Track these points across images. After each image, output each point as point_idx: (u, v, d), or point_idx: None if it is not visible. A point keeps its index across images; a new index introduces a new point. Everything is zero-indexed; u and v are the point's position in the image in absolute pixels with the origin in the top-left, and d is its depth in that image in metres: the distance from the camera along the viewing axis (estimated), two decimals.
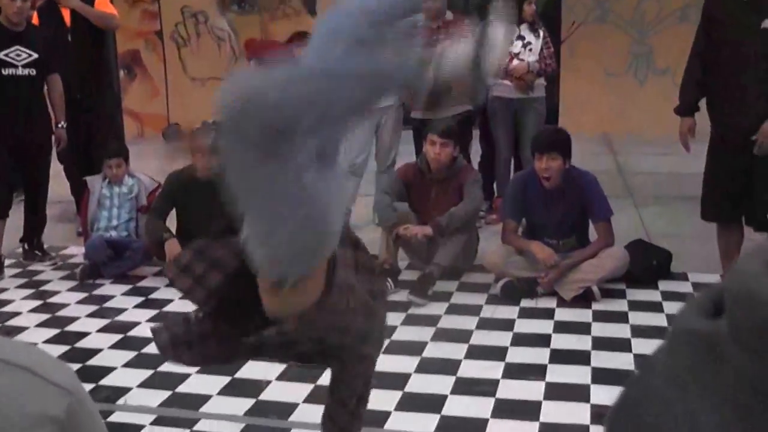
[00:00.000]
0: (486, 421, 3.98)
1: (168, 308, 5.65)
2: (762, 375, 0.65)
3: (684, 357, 0.71)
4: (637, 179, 8.60)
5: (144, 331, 5.27)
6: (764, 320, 0.64)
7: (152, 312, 5.60)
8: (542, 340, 4.92)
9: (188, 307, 5.50)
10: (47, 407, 0.83)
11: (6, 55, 6.31)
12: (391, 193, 6.01)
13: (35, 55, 6.44)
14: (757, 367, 0.64)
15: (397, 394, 4.20)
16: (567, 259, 5.52)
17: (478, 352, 4.78)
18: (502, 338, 4.97)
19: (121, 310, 5.67)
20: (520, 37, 7.02)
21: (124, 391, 4.45)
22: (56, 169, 7.23)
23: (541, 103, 7.19)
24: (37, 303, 5.89)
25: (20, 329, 5.41)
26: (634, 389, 0.76)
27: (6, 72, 6.32)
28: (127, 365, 4.79)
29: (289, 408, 4.13)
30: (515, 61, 6.98)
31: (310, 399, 4.15)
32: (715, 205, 5.29)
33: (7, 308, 5.81)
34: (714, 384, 0.67)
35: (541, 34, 7.08)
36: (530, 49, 7.01)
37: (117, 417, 4.16)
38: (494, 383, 4.38)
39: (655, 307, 5.32)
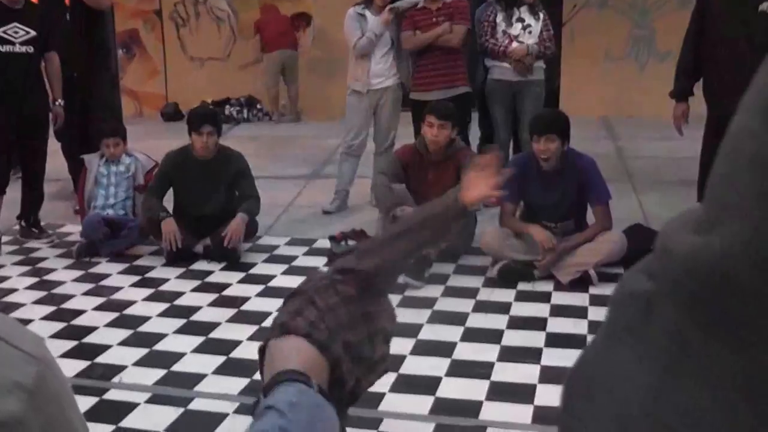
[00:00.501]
0: (480, 403, 3.98)
1: (164, 287, 5.66)
2: (682, 325, 0.67)
3: (622, 316, 0.73)
4: (636, 163, 8.59)
5: (140, 309, 5.29)
6: (678, 273, 0.67)
7: (148, 291, 5.60)
8: (538, 324, 4.92)
9: (182, 286, 5.54)
10: (14, 374, 0.82)
11: (4, 32, 6.28)
12: (389, 174, 6.00)
13: (33, 33, 6.41)
14: (677, 317, 0.67)
15: (392, 376, 4.19)
16: (564, 242, 5.51)
17: (473, 335, 4.78)
18: (498, 321, 4.97)
19: (117, 289, 5.66)
20: (520, 20, 6.99)
21: (119, 369, 4.45)
22: (54, 147, 7.21)
23: (540, 85, 7.15)
24: (33, 280, 5.88)
25: (16, 306, 5.40)
26: (586, 350, 0.79)
27: (3, 49, 6.30)
28: (122, 343, 4.79)
29: None
30: (514, 43, 6.96)
31: None
32: None
33: (3, 285, 5.80)
34: (644, 337, 0.70)
35: (541, 16, 7.05)
36: (530, 32, 6.98)
37: (112, 395, 4.17)
38: (489, 366, 4.37)
39: None
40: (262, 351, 2.86)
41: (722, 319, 0.65)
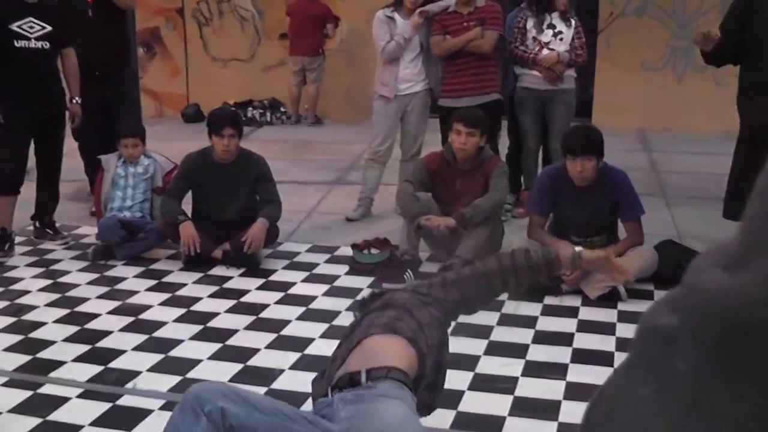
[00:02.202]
0: (503, 419, 3.87)
1: (181, 292, 5.54)
2: (704, 363, 0.69)
3: (645, 350, 0.77)
4: (670, 177, 8.40)
5: (156, 314, 5.18)
6: (705, 311, 0.69)
7: (165, 295, 5.49)
8: (565, 339, 4.78)
9: (199, 291, 5.43)
10: None
11: (19, 26, 6.16)
12: (415, 182, 5.86)
13: (49, 28, 6.29)
14: (699, 355, 0.69)
15: None
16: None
17: (498, 348, 4.65)
18: (523, 335, 4.83)
19: (133, 293, 5.56)
20: (551, 26, 6.84)
21: (133, 374, 4.35)
22: (71, 146, 7.13)
23: (571, 94, 6.99)
24: (47, 282, 5.78)
25: (29, 308, 5.30)
26: (607, 382, 0.82)
27: (18, 44, 6.17)
28: (137, 348, 4.69)
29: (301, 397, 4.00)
30: (545, 51, 6.80)
31: None
32: (738, 205, 5.10)
33: (17, 286, 5.70)
34: (666, 373, 0.71)
35: (573, 23, 6.88)
36: (561, 39, 6.81)
37: (126, 401, 4.07)
38: (513, 381, 4.26)
39: None
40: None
41: (752, 361, 0.65)
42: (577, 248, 3.56)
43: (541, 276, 3.40)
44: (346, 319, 5.02)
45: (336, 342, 4.61)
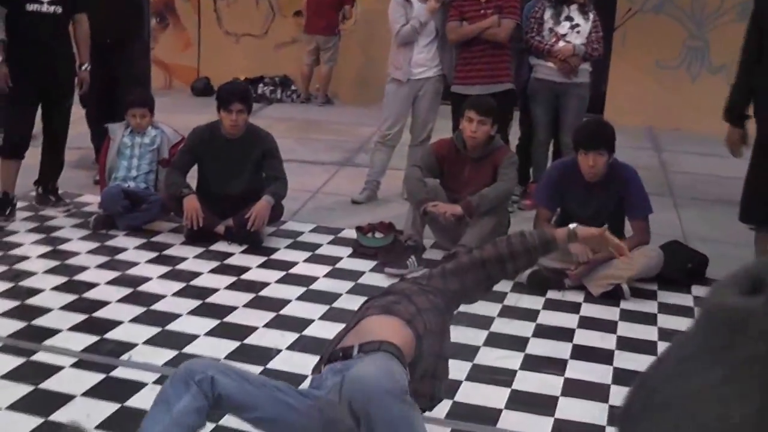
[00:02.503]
0: (500, 411, 3.83)
1: (181, 266, 5.50)
2: None
3: (708, 333, 0.70)
4: (678, 178, 8.34)
5: (154, 287, 5.14)
6: None
7: (165, 268, 5.45)
8: (565, 334, 4.73)
9: (200, 266, 5.39)
10: None
11: None
12: (423, 167, 5.81)
13: None
14: None
15: None
16: (599, 252, 5.31)
17: (497, 340, 4.61)
18: (524, 328, 4.79)
19: (133, 264, 5.52)
20: (569, 18, 6.77)
21: (129, 346, 4.31)
22: (78, 113, 7.07)
23: (585, 88, 6.92)
24: (46, 249, 5.74)
25: (28, 274, 5.27)
26: (652, 368, 0.76)
27: (30, 8, 6.10)
28: (134, 320, 4.65)
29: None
30: (561, 43, 6.73)
31: None
32: (754, 208, 5.05)
33: (16, 251, 5.67)
34: (735, 359, 0.67)
35: (591, 17, 6.81)
36: (578, 32, 6.74)
37: (120, 372, 4.03)
38: (511, 373, 4.21)
39: (686, 312, 5.10)
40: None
41: None
42: (572, 225, 3.52)
43: (539, 256, 3.48)
44: (346, 302, 5.00)
45: (335, 324, 4.62)
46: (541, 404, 3.91)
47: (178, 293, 5.06)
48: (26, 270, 5.34)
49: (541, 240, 3.33)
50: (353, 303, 4.96)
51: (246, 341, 4.44)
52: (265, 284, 5.27)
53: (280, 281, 5.34)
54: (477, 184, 5.72)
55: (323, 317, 4.79)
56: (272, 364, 4.18)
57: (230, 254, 5.78)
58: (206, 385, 2.75)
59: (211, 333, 4.53)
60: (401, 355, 2.86)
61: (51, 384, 3.87)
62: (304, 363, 4.13)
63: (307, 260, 5.75)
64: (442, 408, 3.72)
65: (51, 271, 5.35)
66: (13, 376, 3.91)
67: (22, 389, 3.78)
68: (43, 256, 5.61)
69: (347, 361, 2.87)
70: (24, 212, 6.44)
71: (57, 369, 4.02)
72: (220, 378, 2.77)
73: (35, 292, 4.98)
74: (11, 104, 6.20)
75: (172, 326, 4.59)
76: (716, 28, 10.52)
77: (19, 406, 3.64)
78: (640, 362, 4.38)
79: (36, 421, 3.56)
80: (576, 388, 4.09)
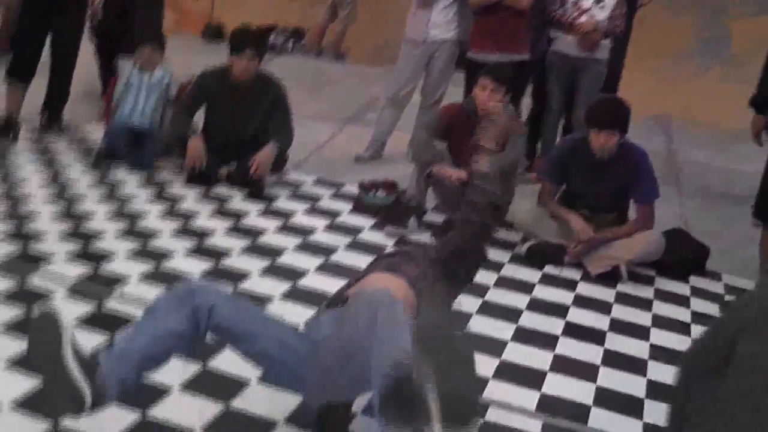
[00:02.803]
0: (487, 380, 3.80)
1: (180, 206, 5.47)
2: None
3: None
4: (686, 168, 8.28)
5: (152, 223, 5.11)
6: None
7: (164, 206, 5.42)
8: (559, 311, 4.71)
9: (199, 208, 5.35)
10: None
11: None
12: (431, 130, 5.75)
13: None
14: None
15: None
16: (601, 233, 5.29)
17: (490, 310, 4.58)
18: (518, 300, 4.76)
19: (131, 198, 5.49)
20: None
21: (122, 279, 4.27)
22: (88, 46, 7.00)
23: (603, 65, 6.84)
24: (46, 174, 5.72)
25: (26, 197, 5.24)
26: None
27: None
28: (129, 254, 4.61)
29: None
30: (583, 17, 6.64)
31: None
32: None
33: (17, 175, 5.64)
34: None
35: None
36: (602, 6, 6.62)
37: (110, 305, 3.98)
38: (502, 344, 4.18)
39: (682, 301, 5.08)
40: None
41: None
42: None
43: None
44: (343, 257, 4.98)
45: (330, 277, 4.61)
46: (529, 378, 3.89)
47: (176, 232, 5.03)
48: (25, 194, 5.30)
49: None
50: (350, 258, 4.96)
51: (240, 286, 4.41)
52: (262, 231, 5.24)
53: (278, 230, 5.31)
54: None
55: (318, 270, 4.77)
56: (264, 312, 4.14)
57: (230, 199, 5.75)
58: (202, 313, 2.70)
59: (205, 274, 4.50)
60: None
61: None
62: (296, 313, 4.11)
63: (306, 212, 5.72)
64: None
65: (49, 198, 5.31)
66: (5, 299, 3.88)
67: (13, 312, 3.75)
68: (43, 182, 5.57)
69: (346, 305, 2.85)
70: (28, 138, 6.38)
71: (49, 296, 3.99)
72: (221, 308, 2.72)
73: (33, 217, 4.95)
74: (21, 27, 6.14)
75: (167, 264, 4.56)
76: (736, 20, 10.40)
77: (8, 328, 3.61)
78: (630, 346, 4.38)
79: (24, 345, 3.53)
80: (565, 366, 4.06)
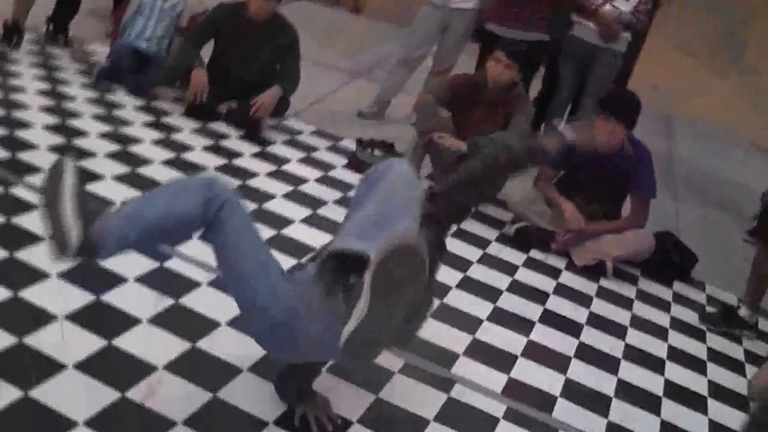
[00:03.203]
0: (458, 356, 3.77)
1: (175, 136, 5.40)
2: None
3: None
4: (684, 171, 8.23)
5: (144, 150, 5.05)
6: None
7: (158, 135, 5.35)
8: (539, 297, 4.67)
9: (194, 141, 5.29)
10: None
11: None
12: (438, 97, 5.68)
13: None
14: None
15: None
16: (592, 225, 5.25)
17: (470, 286, 4.54)
18: (499, 280, 4.72)
19: (128, 122, 5.41)
20: None
21: (108, 203, 4.19)
22: None
23: (619, 57, 6.76)
24: (45, 86, 5.63)
25: (22, 105, 5.17)
26: None
27: None
28: (117, 178, 4.56)
29: None
30: (607, 6, 6.55)
31: None
32: None
33: (15, 81, 5.56)
34: None
35: None
36: None
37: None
38: (477, 322, 4.15)
39: (663, 305, 5.05)
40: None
41: None
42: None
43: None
44: (331, 211, 4.94)
45: (315, 230, 4.57)
46: (499, 360, 3.85)
47: (167, 162, 4.97)
48: (21, 101, 5.23)
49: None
50: (337, 213, 4.92)
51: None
52: (254, 174, 5.18)
53: (269, 175, 5.25)
54: (487, 127, 5.60)
55: (305, 221, 4.71)
56: None
57: (227, 136, 5.68)
58: (214, 203, 2.62)
59: None
60: None
61: (24, 221, 3.79)
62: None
63: (301, 161, 5.66)
64: None
65: (45, 109, 5.23)
66: None
67: None
68: (41, 92, 5.49)
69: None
70: (30, 45, 6.29)
71: (32, 206, 3.93)
72: (232, 207, 2.66)
73: (25, 125, 4.88)
74: None
75: None
76: (758, 27, 10.31)
77: None
78: (606, 343, 4.36)
79: (1, 254, 3.50)
80: (537, 353, 4.03)
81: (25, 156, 4.47)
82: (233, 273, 2.72)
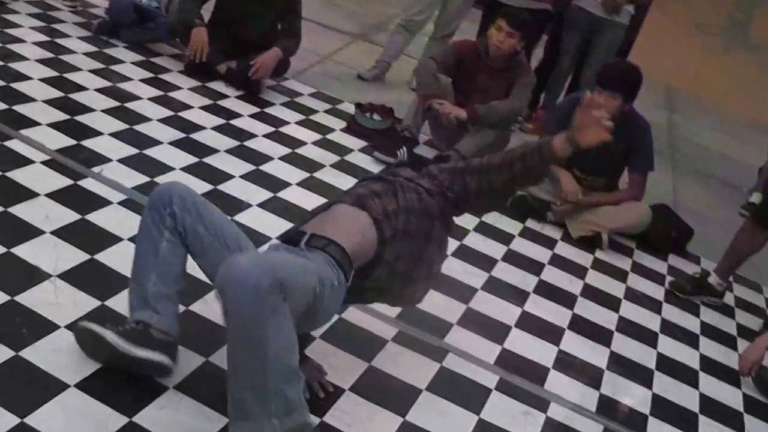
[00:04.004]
0: (451, 325, 3.76)
1: (173, 94, 5.36)
2: None
3: None
4: (684, 145, 8.22)
5: (142, 106, 5.02)
6: None
7: (157, 92, 5.31)
8: (534, 267, 4.67)
9: (192, 100, 5.26)
10: None
11: None
12: (440, 62, 5.63)
13: None
14: None
15: None
16: (589, 196, 5.24)
17: (466, 254, 4.53)
18: (495, 249, 4.72)
19: (126, 78, 5.37)
20: None
21: (103, 160, 4.19)
22: None
23: (622, 29, 6.75)
24: (43, 38, 5.59)
25: (19, 57, 5.14)
26: None
27: None
28: (114, 135, 4.53)
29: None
30: None
31: None
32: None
33: (12, 31, 5.52)
34: None
35: None
36: None
37: (87, 183, 3.92)
38: (472, 291, 4.15)
39: (657, 278, 5.06)
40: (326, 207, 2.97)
41: None
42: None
43: (538, 164, 3.05)
44: (327, 174, 4.92)
45: (311, 193, 4.56)
46: (493, 330, 3.85)
47: (164, 120, 4.93)
48: (18, 53, 5.20)
49: (540, 145, 3.06)
50: (334, 177, 4.90)
51: (219, 186, 4.33)
52: (252, 135, 5.15)
53: (267, 136, 5.22)
54: (487, 95, 5.58)
55: (301, 183, 4.70)
56: (239, 217, 4.07)
57: (225, 96, 5.63)
58: (175, 221, 2.75)
59: (187, 169, 4.41)
60: (345, 261, 2.71)
61: (18, 175, 3.78)
62: (270, 224, 4.08)
63: (299, 122, 5.62)
64: (393, 310, 3.66)
65: (43, 61, 5.20)
66: None
67: None
68: (39, 44, 5.46)
69: (292, 248, 2.74)
70: None
71: (28, 161, 3.92)
72: (181, 213, 2.75)
73: (22, 77, 4.85)
74: None
75: (150, 152, 4.47)
76: (763, 7, 10.24)
77: None
78: (600, 315, 4.37)
79: None
80: (531, 323, 4.03)
81: (21, 109, 4.44)
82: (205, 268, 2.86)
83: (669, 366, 4.07)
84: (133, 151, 4.40)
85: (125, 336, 2.65)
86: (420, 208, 2.99)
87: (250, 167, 4.67)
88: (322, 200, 4.22)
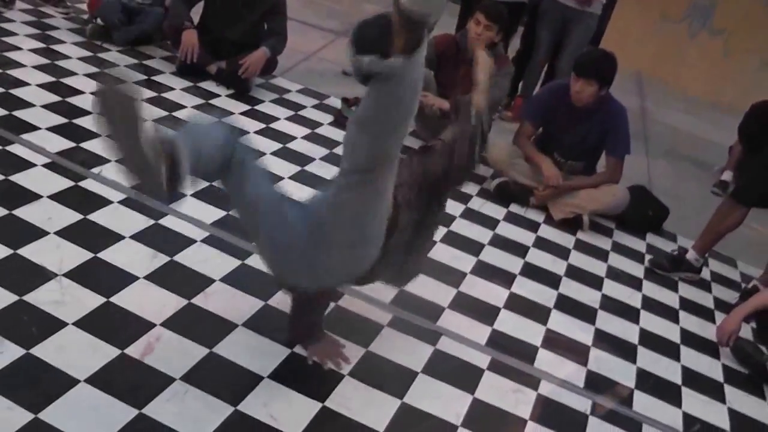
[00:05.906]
0: (442, 309, 3.90)
1: (167, 95, 5.51)
2: None
3: None
4: (656, 128, 8.42)
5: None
6: None
7: (150, 93, 5.45)
8: (519, 250, 4.84)
9: (185, 99, 5.37)
10: None
11: None
12: None
13: None
14: None
15: None
16: (568, 180, 5.42)
17: (453, 240, 4.69)
18: (481, 234, 4.88)
19: (120, 81, 5.47)
20: None
21: (102, 161, 4.31)
22: None
23: (595, 19, 6.93)
24: (39, 45, 5.71)
25: (16, 64, 5.26)
26: None
27: None
28: None
29: None
30: None
31: None
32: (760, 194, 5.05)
33: (8, 39, 5.64)
34: None
35: None
36: None
37: (87, 184, 4.05)
38: (461, 275, 4.29)
39: (636, 256, 5.24)
40: None
41: None
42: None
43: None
44: (318, 167, 5.06)
45: (303, 186, 4.69)
46: (483, 312, 3.98)
47: (159, 120, 5.05)
48: (15, 60, 5.32)
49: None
50: (325, 170, 5.04)
51: (214, 184, 4.46)
52: (243, 132, 5.29)
53: (258, 132, 5.37)
54: (469, 85, 5.71)
55: (293, 177, 4.84)
56: (235, 213, 4.20)
57: (216, 95, 5.78)
58: (234, 150, 2.82)
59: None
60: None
61: (20, 178, 3.90)
62: None
63: (288, 118, 5.77)
64: (387, 294, 3.81)
65: (39, 67, 5.33)
66: None
67: None
68: (35, 50, 5.58)
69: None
70: (24, 4, 6.36)
71: (29, 165, 4.04)
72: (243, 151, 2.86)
73: (21, 83, 4.97)
74: None
75: None
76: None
77: None
78: (583, 293, 4.52)
79: (1, 211, 3.61)
80: (518, 304, 4.17)
81: (21, 114, 4.56)
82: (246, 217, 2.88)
83: (651, 340, 4.23)
84: None
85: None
86: (413, 183, 3.15)
87: None
88: (314, 192, 4.37)
